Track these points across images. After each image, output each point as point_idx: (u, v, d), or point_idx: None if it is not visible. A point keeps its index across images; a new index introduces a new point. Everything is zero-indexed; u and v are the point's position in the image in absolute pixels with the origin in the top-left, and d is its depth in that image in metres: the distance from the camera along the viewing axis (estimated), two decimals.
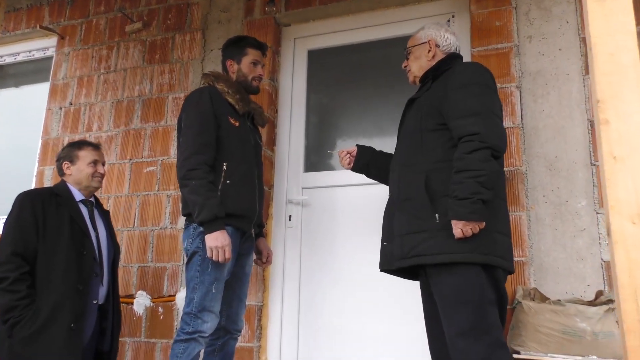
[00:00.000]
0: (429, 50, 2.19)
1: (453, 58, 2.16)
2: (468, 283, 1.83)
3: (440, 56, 2.18)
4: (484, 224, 1.82)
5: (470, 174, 1.80)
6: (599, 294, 2.25)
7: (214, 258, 2.14)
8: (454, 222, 1.82)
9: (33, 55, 4.16)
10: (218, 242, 2.13)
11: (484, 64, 2.18)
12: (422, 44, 2.21)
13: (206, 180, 2.18)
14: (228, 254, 2.15)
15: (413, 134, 2.05)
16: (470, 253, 1.82)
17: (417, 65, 2.22)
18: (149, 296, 3.10)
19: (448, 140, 1.97)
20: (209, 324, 2.17)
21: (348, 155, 2.40)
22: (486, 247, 1.83)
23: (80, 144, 2.68)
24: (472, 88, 1.94)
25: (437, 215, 1.88)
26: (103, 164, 2.69)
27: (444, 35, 2.20)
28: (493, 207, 1.88)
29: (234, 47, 2.53)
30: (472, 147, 1.83)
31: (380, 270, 2.10)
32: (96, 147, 2.71)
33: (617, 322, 2.19)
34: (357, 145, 2.42)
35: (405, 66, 2.28)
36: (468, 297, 1.83)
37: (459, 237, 1.82)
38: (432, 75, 2.13)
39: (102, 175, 2.67)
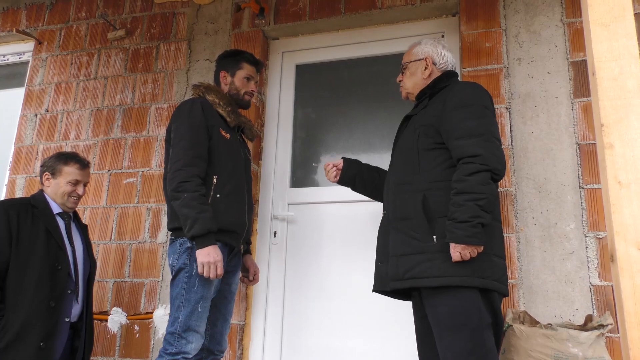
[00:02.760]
0: (426, 68, 2.16)
1: (450, 76, 2.14)
2: (465, 307, 1.80)
3: (436, 74, 2.16)
4: (482, 247, 1.79)
5: (470, 196, 1.77)
6: (589, 318, 2.24)
7: (205, 274, 2.06)
8: (452, 245, 1.78)
9: (7, 59, 4.02)
10: (210, 257, 2.05)
11: None
12: (418, 60, 2.18)
13: (199, 193, 2.10)
14: (220, 270, 2.07)
15: (409, 153, 2.02)
16: (468, 277, 1.79)
17: (412, 82, 2.19)
18: (124, 313, 2.97)
19: (445, 160, 1.94)
20: (194, 345, 2.07)
21: (334, 168, 2.35)
22: (484, 271, 1.81)
23: (68, 159, 2.54)
24: (472, 109, 1.92)
25: (434, 236, 1.84)
26: (84, 185, 2.57)
27: (441, 52, 2.18)
28: (490, 229, 1.86)
29: (230, 60, 2.48)
30: (473, 169, 1.81)
31: (373, 291, 2.05)
32: (84, 165, 2.57)
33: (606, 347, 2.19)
34: (343, 157, 2.38)
35: (400, 80, 2.25)
36: (465, 321, 1.79)
37: (456, 260, 1.78)
38: (429, 92, 2.10)
39: (79, 197, 2.55)
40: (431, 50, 2.17)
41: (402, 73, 2.23)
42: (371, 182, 2.32)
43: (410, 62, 2.20)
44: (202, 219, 2.06)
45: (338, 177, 2.34)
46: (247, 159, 2.47)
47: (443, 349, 1.81)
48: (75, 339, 2.44)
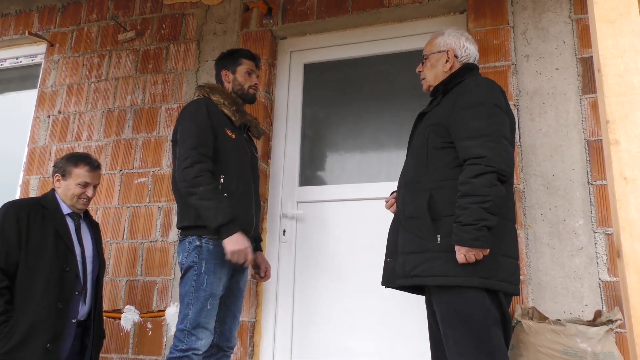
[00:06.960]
0: (447, 61, 2.10)
1: (467, 70, 2.09)
2: (467, 305, 1.80)
3: (457, 67, 2.10)
4: (488, 250, 1.78)
5: (475, 199, 1.76)
6: (598, 314, 2.24)
7: (234, 261, 2.11)
8: (457, 248, 1.78)
9: (20, 61, 4.08)
10: (239, 244, 2.10)
11: None
12: (440, 52, 2.12)
13: (213, 185, 2.14)
14: (250, 255, 2.14)
15: (420, 151, 2.01)
16: (469, 277, 1.79)
17: (433, 75, 2.13)
18: (137, 311, 3.01)
19: (454, 159, 1.92)
20: (203, 341, 2.10)
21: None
22: (487, 271, 1.80)
23: (78, 160, 2.53)
24: (481, 108, 1.88)
25: (438, 236, 1.85)
26: (94, 187, 2.55)
27: (464, 45, 2.12)
28: (499, 229, 1.84)
29: (229, 58, 2.52)
30: (478, 170, 1.79)
31: (382, 285, 2.07)
32: (94, 167, 2.54)
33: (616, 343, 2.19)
34: (393, 192, 2.25)
35: (420, 71, 2.20)
36: (467, 318, 1.79)
37: (462, 262, 1.78)
38: (443, 89, 2.07)
39: (89, 199, 2.53)
40: (454, 42, 2.12)
41: (422, 64, 2.18)
42: None
43: (432, 53, 2.14)
44: (223, 208, 2.10)
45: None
46: (254, 157, 2.49)
47: (450, 346, 1.82)
48: (85, 337, 2.45)
